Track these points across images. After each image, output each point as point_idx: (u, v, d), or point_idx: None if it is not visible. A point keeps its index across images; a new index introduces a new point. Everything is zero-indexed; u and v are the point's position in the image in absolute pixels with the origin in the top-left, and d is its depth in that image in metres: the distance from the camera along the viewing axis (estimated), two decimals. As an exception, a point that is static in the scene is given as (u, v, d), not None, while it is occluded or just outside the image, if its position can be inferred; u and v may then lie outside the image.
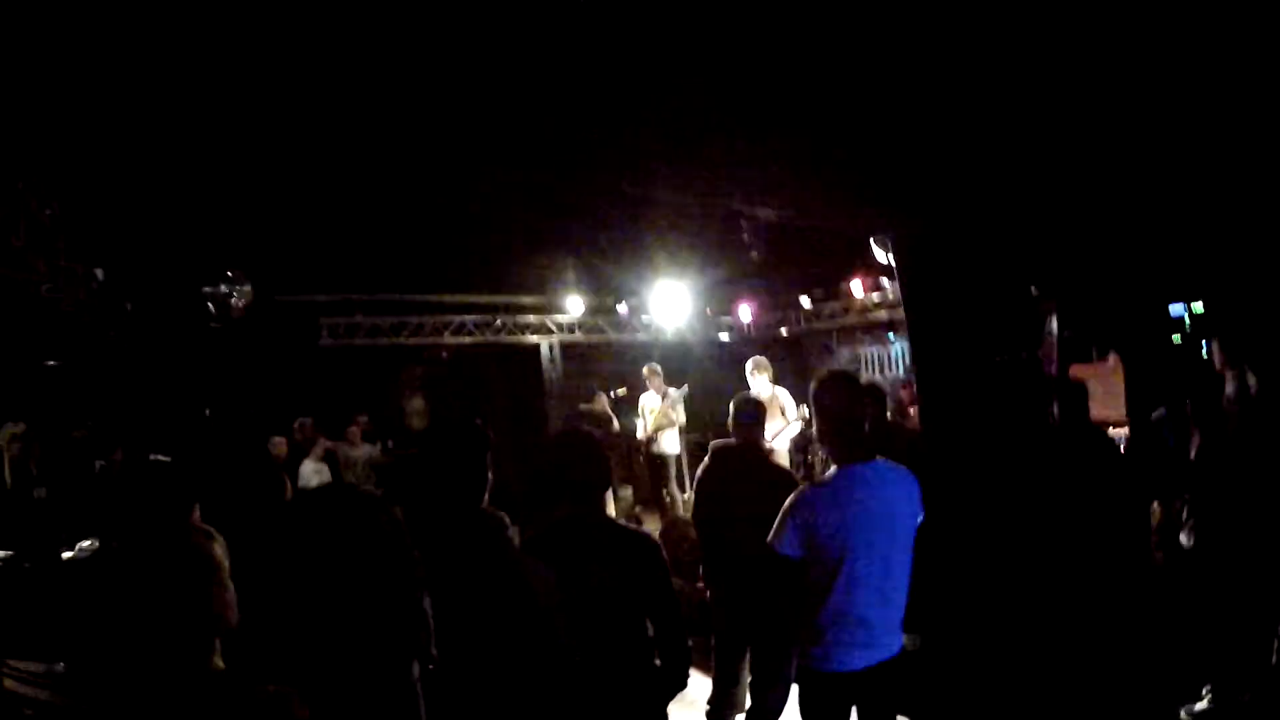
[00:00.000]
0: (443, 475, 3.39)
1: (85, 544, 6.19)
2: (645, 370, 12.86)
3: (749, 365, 10.28)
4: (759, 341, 16.82)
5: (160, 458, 7.66)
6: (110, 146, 6.24)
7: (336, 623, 2.66)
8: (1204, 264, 7.82)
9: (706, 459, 5.85)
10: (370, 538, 2.70)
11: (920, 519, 4.11)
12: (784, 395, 10.34)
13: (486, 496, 3.41)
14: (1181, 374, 8.39)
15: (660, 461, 12.66)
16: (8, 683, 3.22)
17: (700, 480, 5.85)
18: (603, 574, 3.55)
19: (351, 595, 2.68)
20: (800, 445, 11.48)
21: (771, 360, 10.74)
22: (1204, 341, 8.89)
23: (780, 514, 4.04)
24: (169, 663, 2.37)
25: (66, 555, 6.11)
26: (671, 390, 12.50)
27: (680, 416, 12.45)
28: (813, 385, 4.25)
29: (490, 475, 3.43)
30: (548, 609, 3.25)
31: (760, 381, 10.10)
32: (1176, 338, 9.58)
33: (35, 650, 3.38)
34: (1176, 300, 9.51)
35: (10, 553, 6.32)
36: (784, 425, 10.18)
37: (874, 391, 6.63)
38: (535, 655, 3.19)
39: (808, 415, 9.43)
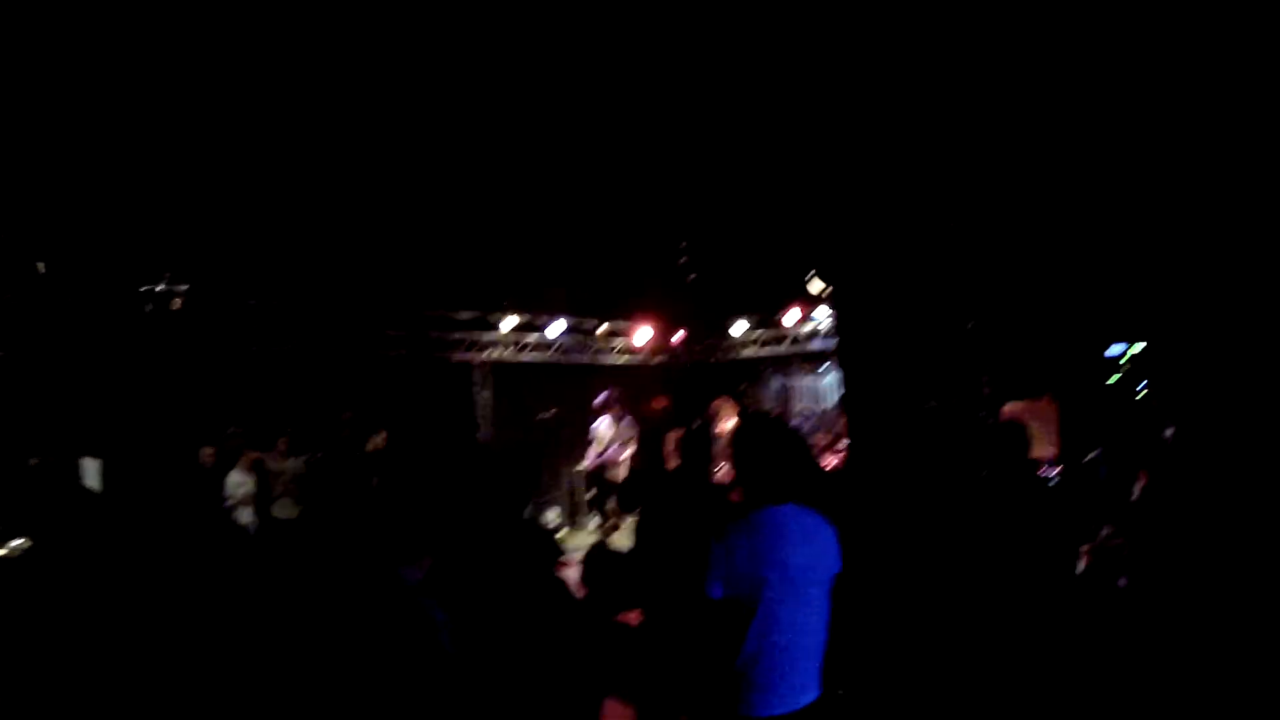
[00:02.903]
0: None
1: (16, 543, 6.02)
2: (603, 399, 12.96)
3: (718, 403, 10.29)
4: (689, 367, 16.88)
5: (90, 462, 7.45)
6: (55, 143, 6.08)
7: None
8: (1145, 305, 7.95)
9: (657, 490, 5.78)
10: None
11: (837, 570, 4.04)
12: None
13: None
14: (1117, 414, 8.50)
15: (609, 486, 12.63)
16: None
17: (650, 508, 5.75)
18: (514, 616, 3.50)
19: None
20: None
21: (704, 386, 10.77)
22: (1141, 383, 9.03)
23: (706, 557, 3.96)
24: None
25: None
26: (627, 418, 12.60)
27: (631, 446, 12.44)
28: (735, 429, 4.26)
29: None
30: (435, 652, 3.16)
31: (730, 421, 10.20)
32: (1114, 378, 9.72)
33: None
34: (1116, 340, 9.66)
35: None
36: None
37: (795, 438, 6.60)
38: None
39: None
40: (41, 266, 8.34)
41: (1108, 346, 9.62)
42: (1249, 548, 4.67)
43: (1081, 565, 5.94)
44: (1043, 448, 7.86)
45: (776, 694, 3.84)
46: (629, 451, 12.48)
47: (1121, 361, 9.53)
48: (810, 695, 3.92)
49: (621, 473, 12.48)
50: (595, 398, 13.57)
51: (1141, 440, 5.68)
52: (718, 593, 3.87)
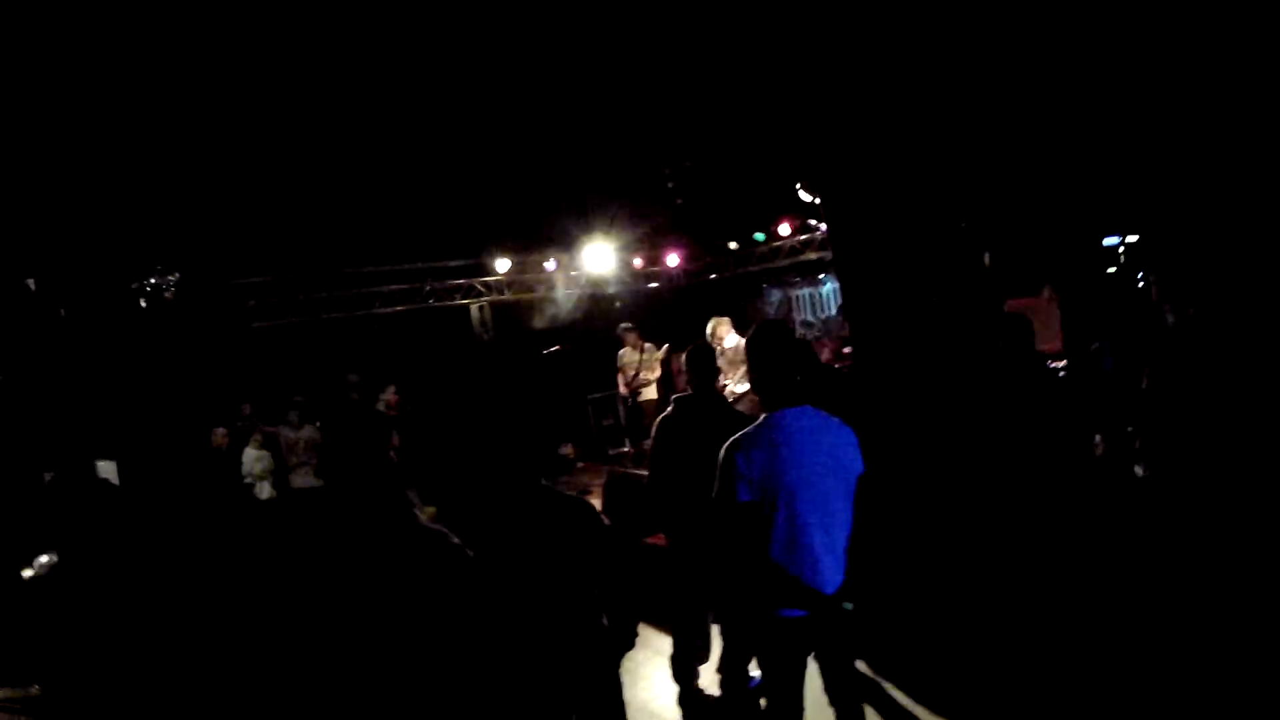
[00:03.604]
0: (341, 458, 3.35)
1: (43, 560, 6.03)
2: (621, 328, 13.11)
3: (709, 326, 10.36)
4: (689, 289, 16.88)
5: (106, 464, 7.49)
6: (27, 153, 6.02)
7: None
8: (1138, 196, 7.91)
9: (669, 408, 5.82)
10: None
11: (860, 470, 4.10)
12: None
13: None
14: (1117, 306, 8.50)
15: (641, 411, 12.85)
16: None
17: (660, 428, 5.80)
18: (544, 541, 3.59)
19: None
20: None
21: (705, 308, 10.85)
22: (1139, 273, 9.01)
23: (719, 466, 4.05)
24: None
25: (27, 574, 5.96)
26: (648, 345, 12.72)
27: (656, 370, 12.65)
28: (748, 337, 4.30)
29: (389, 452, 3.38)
30: (460, 580, 3.23)
31: (728, 336, 10.28)
32: (1111, 270, 9.70)
33: (6, 675, 3.28)
34: (1110, 233, 9.62)
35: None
36: (746, 375, 10.29)
37: (803, 344, 6.63)
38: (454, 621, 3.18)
39: None
40: (31, 284, 8.32)
41: (1103, 237, 9.60)
42: (1260, 432, 4.71)
43: (1098, 453, 6.00)
44: (1046, 341, 7.90)
45: (803, 592, 3.97)
46: (656, 374, 12.63)
47: (1119, 251, 9.52)
48: (834, 586, 4.01)
49: (653, 394, 12.67)
50: (596, 327, 13.61)
51: (1144, 329, 5.70)
52: (745, 496, 3.95)
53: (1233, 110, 5.91)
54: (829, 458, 4.02)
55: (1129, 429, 5.66)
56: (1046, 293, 8.85)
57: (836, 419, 4.16)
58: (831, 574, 4.00)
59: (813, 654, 4.12)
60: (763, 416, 4.08)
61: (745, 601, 4.19)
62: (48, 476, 7.90)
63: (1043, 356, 6.11)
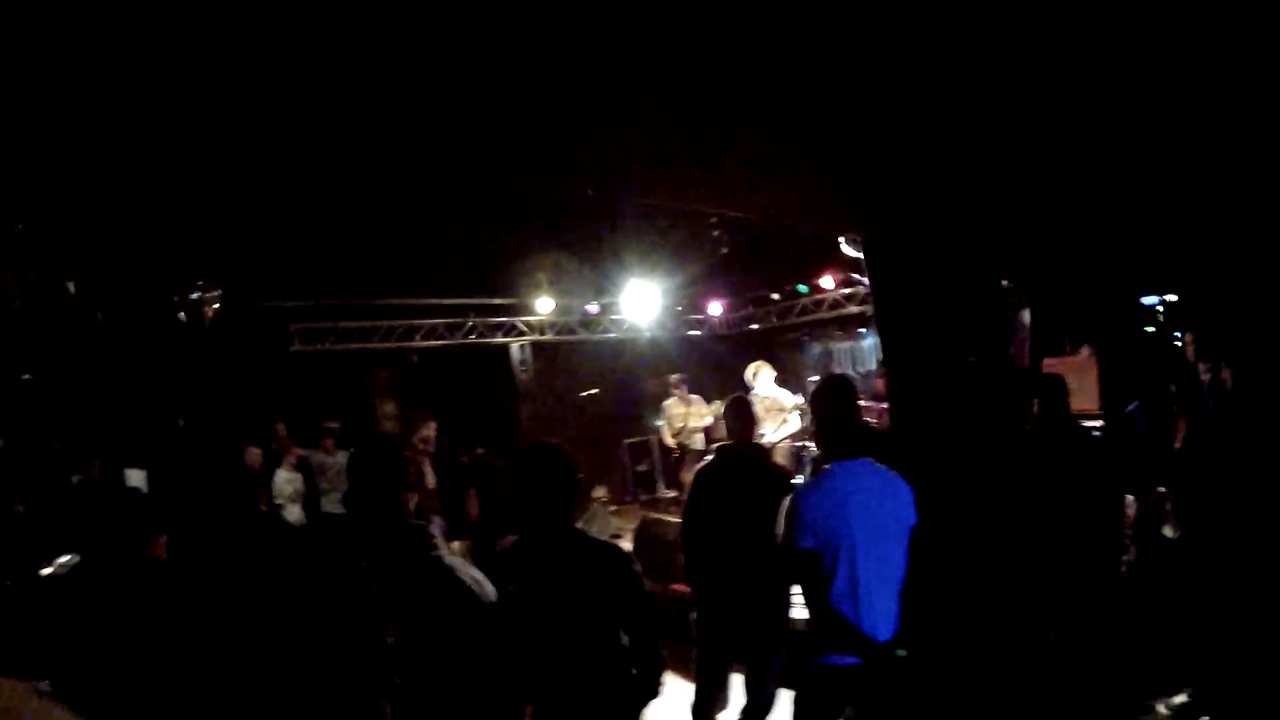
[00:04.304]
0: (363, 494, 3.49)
1: (64, 559, 6.13)
2: (670, 379, 13.37)
3: (749, 370, 10.43)
4: (730, 338, 16.91)
5: (135, 473, 7.61)
6: (75, 157, 6.17)
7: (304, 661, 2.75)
8: (1177, 255, 7.91)
9: (709, 457, 5.90)
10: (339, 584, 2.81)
11: (913, 523, 4.19)
12: (785, 395, 10.53)
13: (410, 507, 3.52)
14: (1155, 365, 8.47)
15: (684, 462, 12.94)
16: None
17: (698, 477, 5.86)
18: (574, 587, 3.59)
19: (319, 637, 2.77)
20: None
21: (744, 356, 10.93)
22: (1177, 332, 8.98)
23: (785, 513, 4.18)
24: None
25: (46, 571, 6.05)
26: (695, 398, 12.94)
27: (706, 421, 12.76)
28: (815, 390, 4.54)
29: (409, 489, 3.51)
30: (483, 616, 3.29)
31: (764, 382, 10.31)
32: (1150, 329, 9.67)
33: (18, 669, 3.36)
34: (1149, 292, 9.60)
35: (-9, 569, 6.25)
36: (782, 424, 10.32)
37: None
38: (476, 660, 3.24)
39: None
40: (71, 286, 8.48)
41: (1142, 296, 9.58)
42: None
43: (1130, 515, 5.99)
44: (1083, 401, 7.88)
45: (858, 639, 4.05)
46: (706, 423, 12.70)
47: (1158, 310, 9.50)
48: (884, 638, 4.10)
49: (700, 444, 12.75)
50: (635, 371, 13.69)
51: (1180, 390, 5.71)
52: (808, 543, 4.07)
53: (1274, 171, 5.93)
54: (887, 510, 4.16)
55: (1161, 490, 5.66)
56: (1085, 351, 8.85)
57: (893, 472, 4.30)
58: (886, 622, 4.10)
59: (853, 709, 4.17)
60: (828, 468, 4.23)
61: (783, 651, 4.27)
62: (75, 479, 8.05)
63: (1078, 417, 6.13)
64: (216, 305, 10.20)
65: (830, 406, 4.38)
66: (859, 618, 4.04)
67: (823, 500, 4.10)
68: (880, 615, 4.07)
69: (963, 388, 6.97)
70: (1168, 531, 5.46)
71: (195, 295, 9.94)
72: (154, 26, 4.22)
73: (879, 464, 4.26)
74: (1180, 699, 5.53)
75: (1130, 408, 6.57)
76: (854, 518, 4.04)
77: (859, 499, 4.08)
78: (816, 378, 13.33)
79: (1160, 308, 9.53)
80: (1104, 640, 5.33)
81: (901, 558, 4.16)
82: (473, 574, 3.43)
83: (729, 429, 5.83)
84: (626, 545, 8.62)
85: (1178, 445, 5.25)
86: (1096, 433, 7.53)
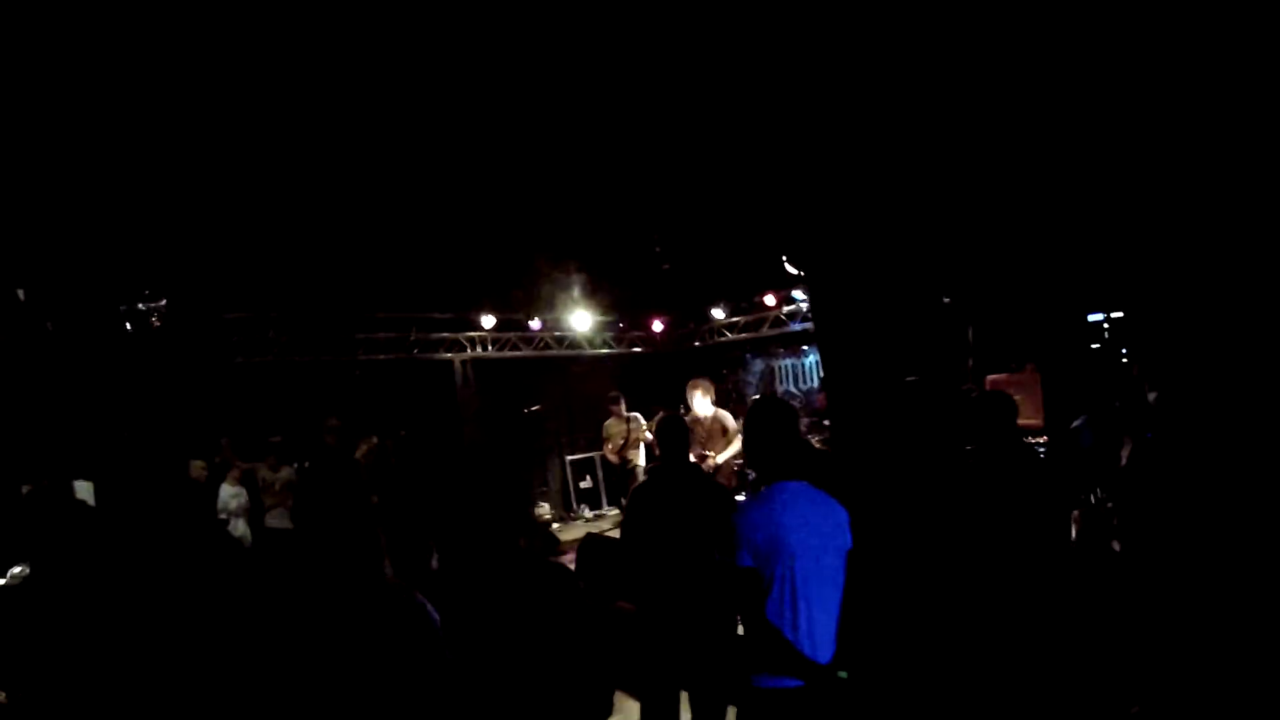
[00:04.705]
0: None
1: (16, 570, 6.01)
2: (608, 398, 12.98)
3: (689, 387, 10.27)
4: (671, 355, 16.91)
5: (83, 484, 7.41)
6: (25, 166, 6.01)
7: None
8: (1123, 272, 7.98)
9: (644, 477, 5.82)
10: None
11: (849, 547, 4.17)
12: (725, 415, 10.38)
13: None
14: (1100, 382, 8.55)
15: (633, 477, 12.71)
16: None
17: (632, 497, 5.77)
18: (516, 605, 3.48)
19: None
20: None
21: (687, 373, 10.84)
22: (1123, 349, 9.06)
23: (728, 530, 4.11)
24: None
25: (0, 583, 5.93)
26: (633, 415, 12.63)
27: (646, 438, 12.53)
28: (749, 411, 4.46)
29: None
30: (433, 635, 3.19)
31: (701, 402, 10.13)
32: (1095, 345, 9.74)
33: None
34: (1094, 309, 9.67)
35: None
36: (725, 445, 10.19)
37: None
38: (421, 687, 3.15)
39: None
40: (21, 294, 8.27)
41: (1088, 313, 9.65)
42: (1238, 512, 4.71)
43: (1074, 532, 5.99)
44: (1027, 417, 7.92)
45: (797, 660, 4.00)
46: (646, 440, 12.57)
47: (1103, 327, 9.58)
48: (824, 659, 4.05)
49: (642, 460, 12.55)
50: (576, 390, 13.53)
51: (1125, 406, 5.72)
52: (746, 561, 4.03)
53: (1218, 187, 5.99)
54: (826, 531, 4.11)
55: (1107, 505, 5.67)
56: (1030, 368, 8.90)
57: (829, 495, 4.25)
58: (826, 644, 4.05)
59: None
60: (766, 489, 4.18)
61: (733, 670, 4.21)
62: (25, 489, 7.82)
63: (1023, 433, 6.13)
64: (161, 316, 10.00)
65: (762, 430, 4.31)
66: (798, 639, 3.99)
67: (760, 521, 4.05)
68: (820, 636, 4.03)
69: (903, 406, 6.96)
70: (1114, 546, 5.46)
71: (141, 305, 9.74)
72: (101, 42, 4.12)
73: (814, 487, 4.22)
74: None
75: (1076, 423, 6.58)
76: (793, 537, 4.00)
77: (797, 519, 4.04)
78: (757, 396, 13.36)
79: (1106, 324, 9.61)
80: (1049, 657, 5.30)
81: (840, 579, 4.13)
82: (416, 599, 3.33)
83: (660, 450, 5.76)
84: (569, 563, 8.53)
85: (1123, 462, 5.24)
86: (1042, 449, 7.59)
